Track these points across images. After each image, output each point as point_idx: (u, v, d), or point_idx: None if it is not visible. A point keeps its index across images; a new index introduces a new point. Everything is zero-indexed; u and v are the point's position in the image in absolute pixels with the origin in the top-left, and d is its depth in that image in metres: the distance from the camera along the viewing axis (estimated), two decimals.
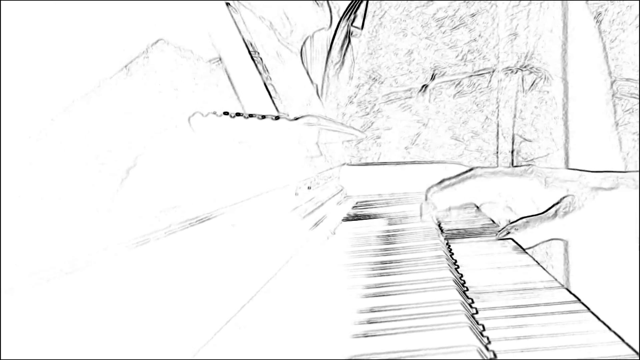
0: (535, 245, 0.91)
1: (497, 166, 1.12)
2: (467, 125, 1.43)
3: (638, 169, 1.01)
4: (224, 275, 0.57)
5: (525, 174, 0.94)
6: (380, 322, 0.54)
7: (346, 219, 1.09)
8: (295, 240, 0.80)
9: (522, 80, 1.40)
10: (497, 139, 1.41)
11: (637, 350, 0.47)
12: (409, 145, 1.45)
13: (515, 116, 1.40)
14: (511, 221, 0.92)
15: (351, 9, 1.52)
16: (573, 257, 1.31)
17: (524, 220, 0.90)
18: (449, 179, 1.02)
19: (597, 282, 1.28)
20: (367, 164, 1.43)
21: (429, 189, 1.03)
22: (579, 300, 0.60)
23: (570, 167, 1.37)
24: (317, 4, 1.43)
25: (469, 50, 1.44)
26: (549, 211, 0.90)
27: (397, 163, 1.43)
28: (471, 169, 1.03)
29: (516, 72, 1.41)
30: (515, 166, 1.04)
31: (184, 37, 0.71)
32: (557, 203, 0.89)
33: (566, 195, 0.89)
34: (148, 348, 0.41)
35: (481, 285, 0.67)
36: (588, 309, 0.58)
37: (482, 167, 1.02)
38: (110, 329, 0.39)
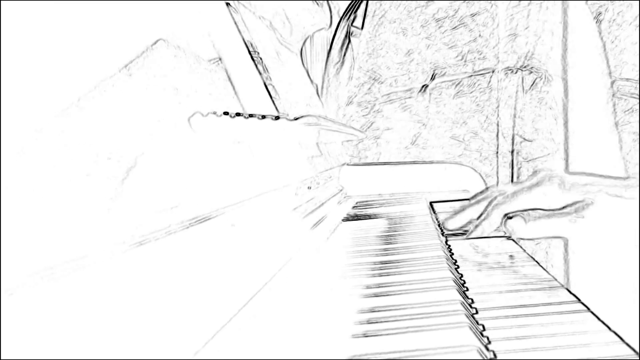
0: (534, 239, 0.90)
1: (510, 182, 1.09)
2: (467, 125, 1.43)
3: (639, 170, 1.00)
4: (223, 276, 0.57)
5: (544, 182, 0.93)
6: (380, 322, 0.54)
7: (346, 219, 1.09)
8: (295, 240, 0.80)
9: (522, 80, 1.40)
10: (497, 139, 1.41)
11: (637, 350, 0.47)
12: (409, 145, 1.45)
13: (515, 116, 1.40)
14: (508, 215, 0.90)
15: (351, 9, 1.52)
16: (573, 257, 1.32)
17: (535, 213, 0.89)
18: (468, 208, 0.99)
19: (597, 282, 1.28)
20: (367, 164, 1.43)
21: (448, 220, 1.01)
22: (579, 300, 0.60)
23: (570, 166, 1.37)
24: (317, 4, 1.43)
25: (469, 50, 1.44)
26: (561, 210, 0.89)
27: (397, 163, 1.43)
28: (487, 189, 1.01)
29: (516, 72, 1.41)
30: (530, 176, 1.02)
31: (184, 37, 0.71)
32: (571, 205, 0.89)
33: (581, 200, 0.89)
34: (148, 348, 0.41)
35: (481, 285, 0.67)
36: (588, 309, 0.58)
37: (497, 190, 0.99)
38: (110, 329, 0.39)
